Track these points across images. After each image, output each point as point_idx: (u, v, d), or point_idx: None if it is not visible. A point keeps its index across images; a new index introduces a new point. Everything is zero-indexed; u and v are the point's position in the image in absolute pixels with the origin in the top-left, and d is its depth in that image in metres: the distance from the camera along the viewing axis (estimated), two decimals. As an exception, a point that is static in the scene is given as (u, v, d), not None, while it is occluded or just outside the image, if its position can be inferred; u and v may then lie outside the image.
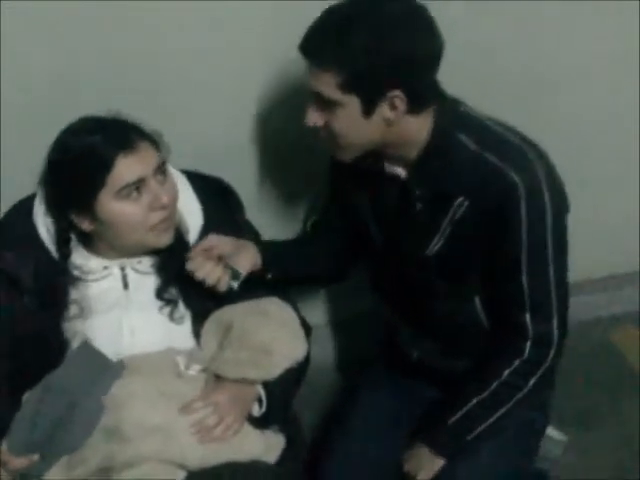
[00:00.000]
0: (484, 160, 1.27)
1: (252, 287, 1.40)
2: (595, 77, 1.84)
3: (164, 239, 1.34)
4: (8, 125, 1.51)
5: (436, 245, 1.36)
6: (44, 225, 1.36)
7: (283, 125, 1.65)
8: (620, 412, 1.92)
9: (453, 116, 1.31)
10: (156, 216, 1.30)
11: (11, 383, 1.29)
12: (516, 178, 1.25)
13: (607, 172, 1.97)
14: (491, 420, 1.38)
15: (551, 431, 1.63)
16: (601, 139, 1.93)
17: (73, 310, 1.33)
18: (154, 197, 1.28)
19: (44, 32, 1.45)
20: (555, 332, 1.34)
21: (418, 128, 1.29)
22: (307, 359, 1.41)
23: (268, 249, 1.46)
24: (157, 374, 1.28)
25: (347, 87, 1.21)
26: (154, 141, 1.32)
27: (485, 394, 1.37)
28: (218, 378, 1.31)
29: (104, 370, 1.27)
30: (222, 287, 1.35)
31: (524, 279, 1.30)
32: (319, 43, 1.23)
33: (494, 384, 1.36)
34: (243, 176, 1.64)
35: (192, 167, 1.49)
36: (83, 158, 1.27)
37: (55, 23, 1.44)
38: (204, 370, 1.32)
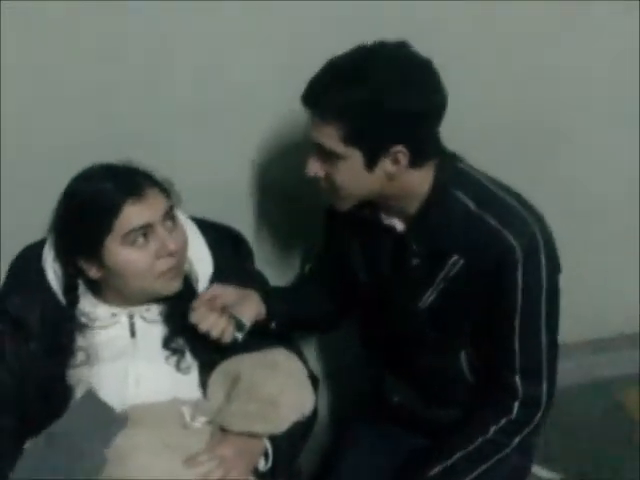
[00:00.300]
0: (483, 222, 1.27)
1: (259, 336, 1.39)
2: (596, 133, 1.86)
3: (172, 287, 1.33)
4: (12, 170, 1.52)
5: (429, 299, 1.35)
6: (53, 271, 1.36)
7: (282, 175, 1.66)
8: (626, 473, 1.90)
9: (452, 172, 1.31)
10: (164, 263, 1.30)
11: (14, 430, 1.28)
12: (515, 243, 1.25)
13: (611, 233, 1.98)
14: (472, 476, 1.37)
15: (540, 470, 1.62)
16: (603, 196, 1.95)
17: (79, 357, 1.32)
18: (161, 244, 1.28)
19: (46, 70, 1.46)
20: (544, 394, 1.34)
21: (420, 182, 1.29)
22: (314, 412, 1.39)
23: (272, 298, 1.45)
24: (162, 425, 1.26)
25: (350, 140, 1.21)
26: (164, 189, 1.33)
27: (469, 449, 1.36)
28: (224, 431, 1.28)
29: (108, 421, 1.25)
30: (226, 339, 1.33)
31: (516, 342, 1.31)
32: (322, 95, 1.22)
33: (479, 440, 1.35)
34: (240, 224, 1.63)
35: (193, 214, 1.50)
36: (91, 203, 1.28)
37: (57, 61, 1.45)
38: (210, 422, 1.30)
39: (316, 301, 1.59)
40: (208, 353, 1.35)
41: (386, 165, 1.24)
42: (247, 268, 1.50)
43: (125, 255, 1.27)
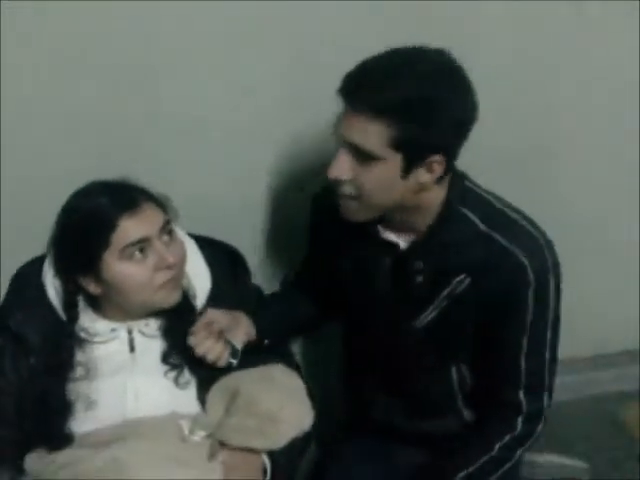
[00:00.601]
0: (493, 240, 1.26)
1: (258, 352, 1.40)
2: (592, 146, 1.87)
3: (171, 298, 1.34)
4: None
5: (427, 317, 1.34)
6: (53, 287, 1.36)
7: (287, 192, 1.69)
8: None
9: (461, 190, 1.29)
10: (162, 276, 1.30)
11: (14, 442, 1.28)
12: (526, 262, 1.24)
13: (611, 249, 1.99)
14: None
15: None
16: (603, 211, 1.96)
17: (79, 372, 1.32)
18: (159, 258, 1.29)
19: (49, 86, 1.48)
20: (545, 406, 1.35)
21: (434, 197, 1.26)
22: (313, 427, 1.38)
23: (261, 317, 1.44)
24: (161, 438, 1.26)
25: (395, 143, 1.14)
26: (160, 203, 1.34)
27: (472, 468, 1.35)
28: (223, 445, 1.29)
29: None
30: (221, 364, 1.34)
31: (522, 359, 1.31)
32: (375, 91, 1.13)
33: (484, 458, 1.34)
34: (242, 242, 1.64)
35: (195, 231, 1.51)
36: (88, 219, 1.29)
37: (63, 77, 1.47)
38: (209, 436, 1.30)
39: (303, 308, 1.58)
40: (206, 369, 1.35)
41: (420, 174, 1.19)
42: (244, 284, 1.50)
43: (123, 269, 1.28)
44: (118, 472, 1.21)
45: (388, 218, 1.30)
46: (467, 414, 1.44)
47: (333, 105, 1.56)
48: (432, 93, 1.14)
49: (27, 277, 1.41)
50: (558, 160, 1.85)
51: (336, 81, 1.55)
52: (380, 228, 1.32)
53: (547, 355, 1.31)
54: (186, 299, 1.38)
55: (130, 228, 1.27)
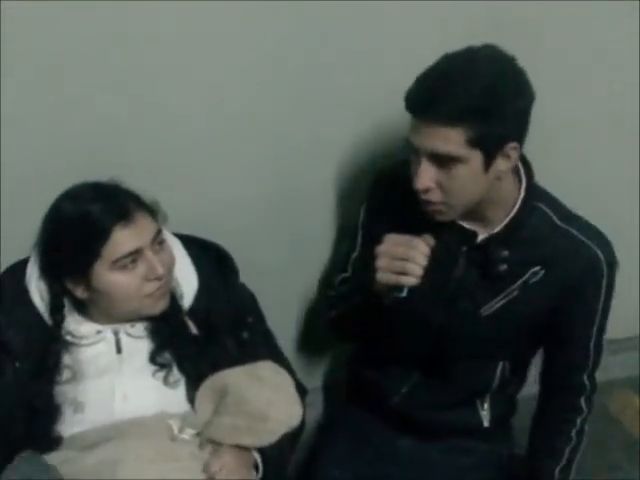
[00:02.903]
0: (570, 233, 1.33)
1: (247, 349, 1.40)
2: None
3: (159, 306, 1.34)
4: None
5: (495, 305, 1.38)
6: (37, 290, 1.35)
7: (286, 190, 1.68)
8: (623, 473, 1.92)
9: (534, 186, 1.35)
10: (151, 286, 1.30)
11: (2, 450, 1.27)
12: (600, 254, 1.33)
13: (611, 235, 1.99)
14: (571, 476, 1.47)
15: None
16: (599, 197, 1.94)
17: (65, 375, 1.31)
18: (149, 268, 1.28)
19: (47, 93, 1.45)
20: (597, 381, 1.45)
21: (512, 188, 1.32)
22: (302, 422, 1.39)
23: None
24: (150, 437, 1.26)
25: (473, 142, 1.19)
26: (152, 211, 1.33)
27: (563, 463, 1.45)
28: (213, 444, 1.29)
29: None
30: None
31: (591, 347, 1.40)
32: (442, 101, 1.18)
33: (567, 449, 1.45)
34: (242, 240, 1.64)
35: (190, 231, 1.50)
36: (80, 226, 1.27)
37: (57, 66, 1.43)
38: (198, 434, 1.30)
39: None
40: (195, 367, 1.36)
41: (499, 164, 1.24)
42: (233, 282, 1.49)
43: (114, 279, 1.27)
44: (109, 472, 1.21)
45: (470, 212, 1.32)
46: (484, 414, 1.53)
47: (334, 104, 1.60)
48: (497, 89, 1.19)
49: (10, 281, 1.38)
50: (557, 142, 1.85)
51: (337, 82, 1.58)
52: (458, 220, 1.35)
53: (604, 340, 1.40)
54: (173, 299, 1.38)
55: (123, 240, 1.25)
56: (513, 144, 1.23)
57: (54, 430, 1.29)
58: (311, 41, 1.53)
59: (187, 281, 1.42)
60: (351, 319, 1.50)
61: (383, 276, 1.28)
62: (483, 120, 1.18)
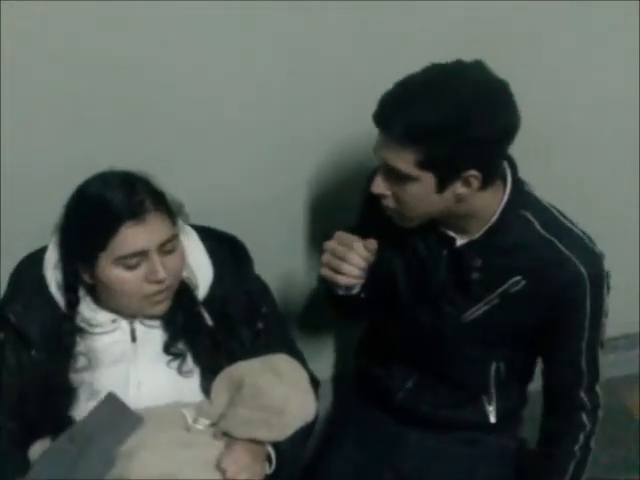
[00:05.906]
0: (552, 246, 1.29)
1: (261, 340, 1.40)
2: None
3: (157, 310, 1.34)
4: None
5: (475, 312, 1.36)
6: (54, 278, 1.35)
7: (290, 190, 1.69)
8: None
9: (521, 194, 1.31)
10: (151, 288, 1.29)
11: (17, 434, 1.28)
12: (583, 271, 1.28)
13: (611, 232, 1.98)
14: None
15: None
16: (602, 197, 1.95)
17: (80, 362, 1.32)
18: (151, 271, 1.27)
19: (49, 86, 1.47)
20: (600, 395, 1.40)
21: (487, 203, 1.27)
22: (315, 416, 1.38)
23: None
24: (164, 427, 1.26)
25: (425, 165, 1.17)
26: (171, 212, 1.32)
27: (567, 477, 1.42)
28: (227, 436, 1.29)
29: (125, 422, 1.25)
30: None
31: (582, 363, 1.36)
32: (398, 119, 1.16)
33: (571, 465, 1.41)
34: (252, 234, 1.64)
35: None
36: (94, 213, 1.27)
37: (70, 72, 1.46)
38: (212, 425, 1.30)
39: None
40: (210, 357, 1.36)
41: (457, 188, 1.21)
42: (247, 274, 1.49)
43: (115, 274, 1.27)
44: (123, 459, 1.22)
45: (442, 220, 1.32)
46: (491, 409, 1.51)
47: (342, 106, 1.61)
48: (462, 114, 1.14)
49: (27, 269, 1.40)
50: (556, 142, 1.84)
51: (337, 82, 1.59)
52: (441, 225, 1.34)
53: (599, 353, 1.37)
54: (188, 290, 1.38)
55: (130, 238, 1.25)
56: (472, 172, 1.18)
57: (70, 414, 1.29)
58: (312, 41, 1.53)
59: (202, 272, 1.42)
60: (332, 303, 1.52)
61: (324, 271, 1.31)
62: (436, 144, 1.15)
